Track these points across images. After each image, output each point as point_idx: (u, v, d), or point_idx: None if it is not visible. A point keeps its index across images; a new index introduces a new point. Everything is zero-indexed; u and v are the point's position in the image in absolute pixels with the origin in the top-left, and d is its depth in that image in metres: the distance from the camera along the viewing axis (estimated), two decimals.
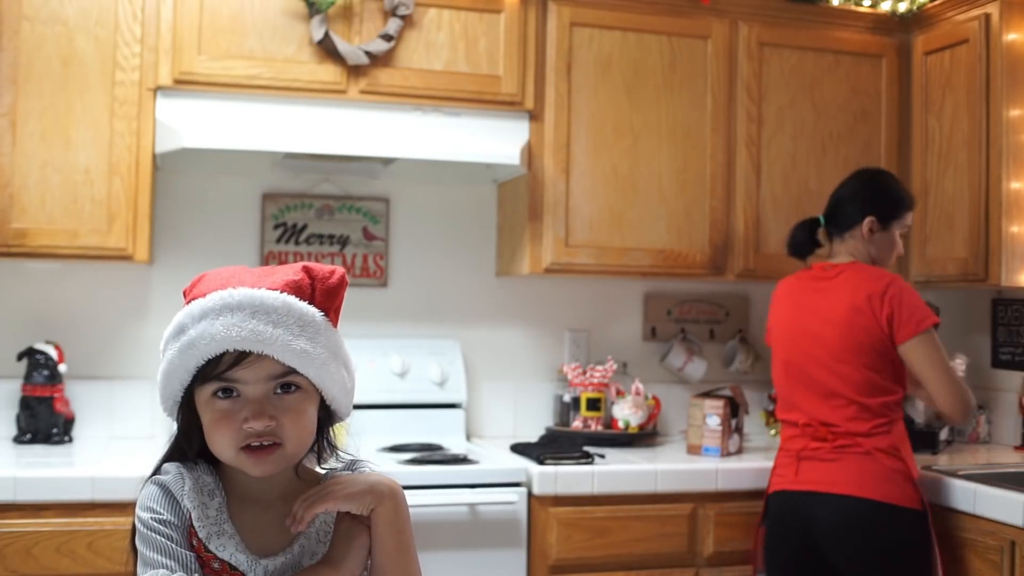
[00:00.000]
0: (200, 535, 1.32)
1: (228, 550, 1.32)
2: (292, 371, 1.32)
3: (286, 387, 1.33)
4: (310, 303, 1.36)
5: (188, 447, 1.38)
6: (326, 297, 1.39)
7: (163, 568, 1.28)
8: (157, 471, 1.38)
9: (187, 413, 1.36)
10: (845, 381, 2.73)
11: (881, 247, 2.88)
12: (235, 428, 1.31)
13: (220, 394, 1.32)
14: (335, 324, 1.41)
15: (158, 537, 1.30)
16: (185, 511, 1.33)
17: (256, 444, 1.31)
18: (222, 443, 1.32)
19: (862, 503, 2.63)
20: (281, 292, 1.34)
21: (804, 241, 2.95)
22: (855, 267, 2.82)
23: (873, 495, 2.63)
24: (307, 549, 1.37)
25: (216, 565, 1.32)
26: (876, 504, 2.63)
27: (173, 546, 1.30)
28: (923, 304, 2.75)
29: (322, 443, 1.43)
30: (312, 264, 1.42)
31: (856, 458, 2.68)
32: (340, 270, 1.43)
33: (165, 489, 1.34)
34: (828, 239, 2.94)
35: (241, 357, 1.30)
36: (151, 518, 1.32)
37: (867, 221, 2.85)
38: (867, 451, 2.68)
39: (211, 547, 1.32)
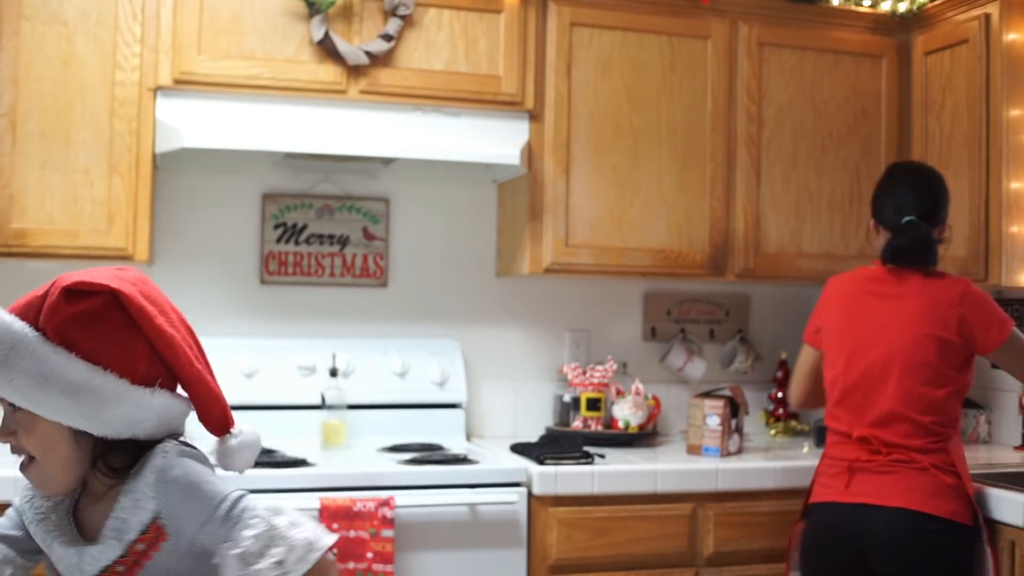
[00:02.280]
0: (27, 518, 1.47)
1: (39, 536, 1.45)
2: None
3: (13, 405, 1.37)
4: (32, 322, 1.36)
5: None
6: (49, 314, 1.36)
7: None
8: None
9: None
10: (903, 397, 2.63)
11: None
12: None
13: None
14: (86, 344, 1.36)
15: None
16: (20, 510, 1.49)
17: (23, 460, 1.41)
18: None
19: (916, 516, 2.55)
20: (10, 312, 1.37)
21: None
22: (923, 272, 2.71)
23: (926, 508, 2.55)
24: (99, 545, 1.40)
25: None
26: (930, 517, 2.55)
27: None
28: (997, 306, 2.69)
29: (99, 461, 1.41)
30: (74, 277, 1.39)
31: (913, 472, 2.59)
32: (63, 283, 1.38)
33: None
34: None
35: None
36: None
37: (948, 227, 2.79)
38: (924, 467, 2.59)
39: (34, 537, 1.46)
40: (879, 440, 2.64)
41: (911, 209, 2.72)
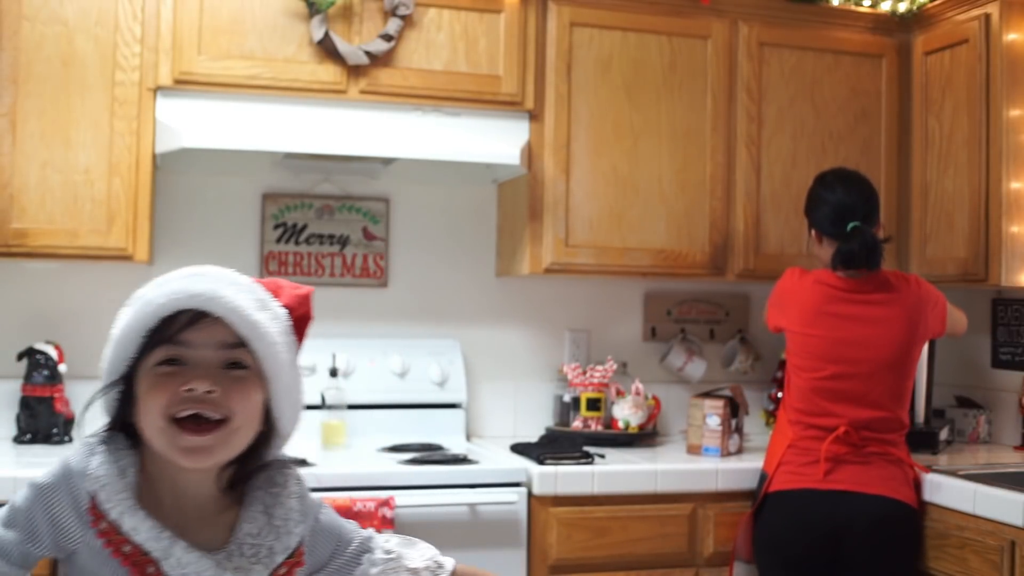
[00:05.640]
0: (111, 516, 1.26)
1: (141, 533, 1.25)
2: (243, 344, 1.27)
3: (235, 365, 1.28)
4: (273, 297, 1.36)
5: (117, 433, 1.32)
6: (293, 300, 1.37)
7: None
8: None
9: (126, 397, 1.30)
10: (890, 396, 2.85)
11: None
12: (172, 391, 1.25)
13: (166, 364, 1.27)
14: (298, 340, 1.38)
15: (23, 519, 1.27)
16: (84, 496, 1.27)
17: (193, 414, 1.24)
18: (154, 410, 1.25)
19: (895, 503, 2.78)
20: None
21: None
22: (896, 275, 2.95)
23: (901, 496, 2.79)
24: (232, 561, 1.30)
25: (127, 549, 1.25)
26: (904, 505, 2.79)
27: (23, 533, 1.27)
28: (932, 287, 2.99)
29: (248, 463, 1.34)
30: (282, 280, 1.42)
31: (887, 463, 2.82)
32: (308, 288, 1.41)
33: (67, 475, 1.28)
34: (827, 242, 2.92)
35: (196, 320, 1.26)
36: (33, 498, 1.28)
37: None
38: (896, 459, 2.83)
39: (124, 529, 1.25)
40: (860, 434, 2.81)
41: (852, 215, 2.86)
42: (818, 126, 3.51)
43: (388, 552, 1.46)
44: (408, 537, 1.52)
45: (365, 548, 1.46)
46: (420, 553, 1.48)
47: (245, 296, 1.28)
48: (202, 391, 1.24)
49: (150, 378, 1.27)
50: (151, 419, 1.26)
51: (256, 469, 1.35)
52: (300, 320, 1.38)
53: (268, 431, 1.34)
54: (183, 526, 1.29)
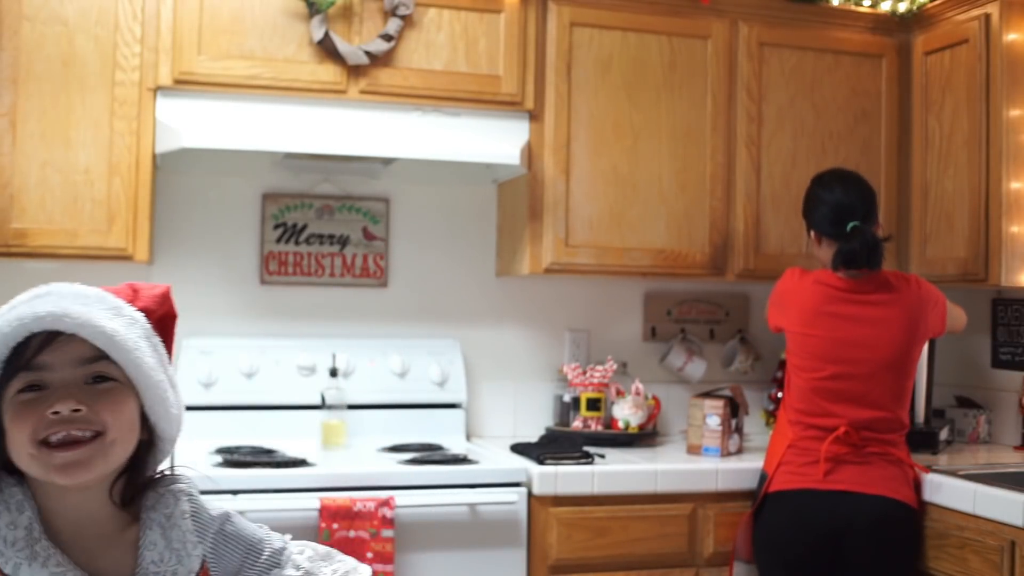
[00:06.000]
0: (7, 571, 1.20)
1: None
2: (104, 357, 1.23)
3: (100, 379, 1.24)
4: (130, 302, 1.31)
5: None
6: (152, 302, 1.34)
7: None
8: None
9: None
10: (889, 396, 2.85)
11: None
12: (37, 417, 1.20)
13: (26, 391, 1.22)
14: (165, 339, 1.34)
15: None
16: None
17: (64, 436, 1.20)
18: (23, 440, 1.20)
19: (895, 504, 2.78)
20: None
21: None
22: (896, 275, 2.94)
23: (901, 497, 2.79)
24: None
25: None
26: (904, 505, 2.80)
27: None
28: (933, 287, 2.98)
29: (137, 474, 1.30)
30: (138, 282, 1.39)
31: (887, 464, 2.82)
32: (165, 285, 1.38)
33: None
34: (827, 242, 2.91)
35: (49, 341, 1.22)
36: None
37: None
38: (896, 459, 2.83)
39: None
40: (860, 434, 2.81)
41: (851, 215, 2.85)
42: (818, 126, 3.51)
43: (297, 568, 1.42)
44: (326, 548, 1.46)
45: (275, 562, 1.41)
46: (333, 569, 1.42)
47: (95, 307, 1.25)
48: (68, 411, 1.20)
49: (12, 408, 1.22)
50: (22, 449, 1.21)
51: (147, 483, 1.32)
52: (164, 320, 1.35)
53: (151, 437, 1.31)
54: (88, 552, 1.25)
